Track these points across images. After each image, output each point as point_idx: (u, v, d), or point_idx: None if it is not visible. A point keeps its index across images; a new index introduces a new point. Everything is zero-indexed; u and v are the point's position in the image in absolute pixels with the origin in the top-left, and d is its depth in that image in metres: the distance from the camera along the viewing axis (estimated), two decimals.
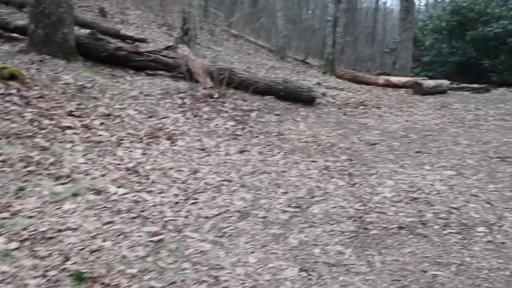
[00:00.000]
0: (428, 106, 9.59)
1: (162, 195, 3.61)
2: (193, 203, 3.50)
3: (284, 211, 3.46)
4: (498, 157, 5.16)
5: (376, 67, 26.17)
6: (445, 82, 12.86)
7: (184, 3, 10.61)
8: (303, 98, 8.25)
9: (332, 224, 3.25)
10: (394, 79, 13.65)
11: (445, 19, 18.95)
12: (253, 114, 6.51)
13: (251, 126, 6.02)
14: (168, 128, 5.36)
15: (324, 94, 9.51)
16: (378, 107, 8.94)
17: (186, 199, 3.57)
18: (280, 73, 11.81)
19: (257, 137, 5.69)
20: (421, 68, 20.22)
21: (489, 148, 5.61)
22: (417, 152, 5.42)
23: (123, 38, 9.66)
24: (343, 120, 7.40)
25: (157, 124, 5.42)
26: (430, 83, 12.24)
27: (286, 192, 3.88)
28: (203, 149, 4.91)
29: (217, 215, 3.33)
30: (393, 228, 3.20)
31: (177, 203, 3.49)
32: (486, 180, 4.38)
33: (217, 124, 5.81)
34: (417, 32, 20.66)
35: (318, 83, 11.39)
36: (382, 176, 4.45)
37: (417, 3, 43.13)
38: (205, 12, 18.92)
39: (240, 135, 5.61)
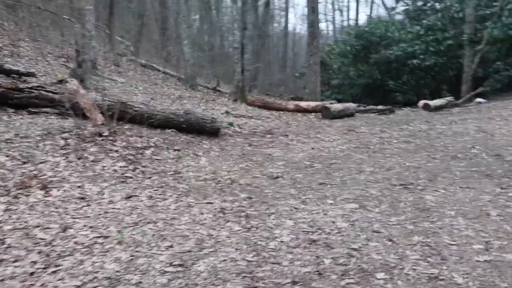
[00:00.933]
0: (336, 131, 9.56)
1: (17, 264, 2.99)
2: (53, 272, 2.91)
3: (164, 272, 2.97)
4: (401, 184, 5.02)
5: (289, 92, 26.57)
6: (352, 105, 13.09)
7: (78, 33, 9.90)
8: (207, 130, 7.86)
9: (217, 285, 2.80)
10: (303, 104, 13.71)
11: (350, 44, 19.62)
12: (148, 152, 5.98)
13: (144, 166, 5.49)
14: (44, 175, 4.70)
15: (231, 124, 9.19)
16: (285, 135, 8.74)
17: (45, 267, 2.97)
18: (188, 103, 11.41)
19: (150, 178, 5.17)
20: (331, 91, 20.73)
21: (392, 175, 5.48)
22: (321, 184, 5.17)
23: (8, 72, 8.76)
24: (248, 152, 7.06)
25: (31, 171, 4.74)
26: (338, 107, 12.38)
27: (171, 246, 3.39)
28: (82, 198, 4.31)
29: (79, 286, 2.76)
30: (286, 283, 2.81)
31: (32, 273, 2.88)
32: (389, 212, 4.16)
33: (104, 166, 5.22)
34: (324, 56, 21.24)
35: (227, 112, 11.10)
36: (281, 216, 4.09)
37: (324, 28, 44.89)
38: (110, 41, 18.16)
39: (130, 178, 5.07)
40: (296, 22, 67.91)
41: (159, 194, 4.63)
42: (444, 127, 9.61)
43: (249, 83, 15.70)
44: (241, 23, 14.78)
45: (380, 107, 14.16)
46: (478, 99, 15.32)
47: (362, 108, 13.74)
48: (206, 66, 22.02)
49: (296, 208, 4.31)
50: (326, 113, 12.03)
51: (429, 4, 21.72)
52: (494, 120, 9.83)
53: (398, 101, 19.57)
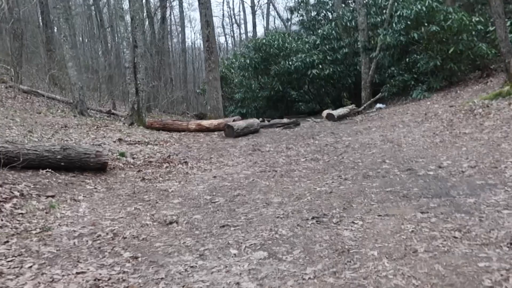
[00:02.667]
0: (240, 152, 8.88)
1: None
2: None
3: None
4: (313, 218, 4.37)
5: (192, 109, 25.74)
6: (256, 121, 12.55)
7: None
8: (91, 166, 6.78)
9: None
10: (205, 123, 12.95)
11: (249, 56, 19.26)
12: (9, 205, 4.83)
13: (0, 227, 4.35)
14: None
15: (122, 154, 8.15)
16: (185, 162, 7.88)
17: None
18: (74, 132, 10.14)
19: (6, 242, 4.05)
20: (235, 106, 20.23)
21: (303, 205, 4.84)
22: (223, 226, 4.37)
23: None
24: (139, 189, 6.09)
25: None
26: (241, 124, 11.75)
27: None
28: None
29: None
30: None
31: None
32: (303, 259, 3.47)
33: None
34: (225, 70, 20.72)
35: (120, 139, 9.99)
36: (173, 281, 3.24)
37: (223, 42, 44.76)
38: None
39: None
40: (195, 37, 67.27)
41: (14, 267, 3.55)
42: (350, 138, 9.32)
43: (145, 104, 14.59)
44: (131, 41, 13.70)
45: (285, 120, 13.78)
46: (378, 105, 15.53)
47: (266, 123, 13.26)
48: (101, 88, 20.52)
49: (192, 267, 3.47)
50: (229, 132, 11.34)
51: (322, 14, 22.06)
52: (397, 128, 9.72)
53: (302, 110, 19.54)
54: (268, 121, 13.72)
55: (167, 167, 7.52)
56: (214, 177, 6.68)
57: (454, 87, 13.83)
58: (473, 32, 13.29)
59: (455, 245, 3.44)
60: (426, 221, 3.97)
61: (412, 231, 3.80)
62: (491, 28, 13.09)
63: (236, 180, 6.35)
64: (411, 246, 3.50)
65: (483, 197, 4.42)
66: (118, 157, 7.96)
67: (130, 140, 10.09)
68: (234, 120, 12.78)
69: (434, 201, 4.51)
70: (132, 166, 7.51)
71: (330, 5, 22.03)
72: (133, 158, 8.07)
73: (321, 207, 4.72)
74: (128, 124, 12.89)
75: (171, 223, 4.55)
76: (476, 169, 5.41)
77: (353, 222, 4.15)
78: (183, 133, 12.46)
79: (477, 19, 13.38)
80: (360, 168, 6.31)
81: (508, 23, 11.11)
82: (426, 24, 14.05)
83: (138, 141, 10.09)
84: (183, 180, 6.57)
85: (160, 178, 6.73)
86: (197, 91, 25.10)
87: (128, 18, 16.37)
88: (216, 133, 12.28)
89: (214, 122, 12.88)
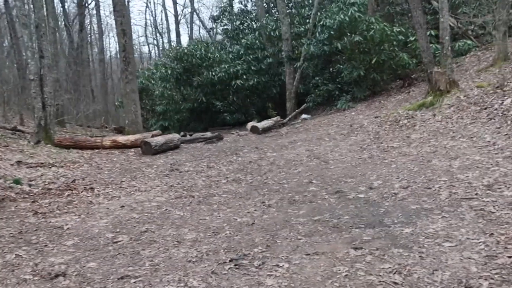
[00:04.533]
0: (156, 173, 8.06)
1: None
2: None
3: None
4: (232, 260, 3.69)
5: (113, 122, 24.38)
6: (176, 136, 11.75)
7: None
8: None
9: None
10: (122, 139, 11.95)
11: (171, 67, 18.40)
12: None
13: None
14: None
15: (17, 182, 7.07)
16: (91, 188, 6.94)
17: None
18: None
19: None
20: (156, 118, 19.26)
21: (220, 242, 4.14)
22: (121, 278, 3.56)
23: None
24: (28, 227, 5.12)
25: None
26: (160, 140, 10.89)
27: None
28: None
29: None
30: None
31: None
32: None
33: None
34: (146, 81, 19.72)
35: (19, 162, 8.82)
36: None
37: (147, 51, 43.36)
38: None
39: None
40: (117, 46, 64.69)
41: None
42: (275, 154, 8.78)
43: (54, 119, 13.28)
44: (37, 51, 12.42)
45: (208, 134, 13.08)
46: (304, 116, 15.25)
47: (188, 137, 12.47)
48: (8, 102, 18.72)
49: None
50: (147, 149, 10.46)
51: (246, 24, 21.63)
52: (323, 141, 9.34)
53: (227, 122, 18.98)
54: (190, 135, 12.95)
55: (69, 195, 6.54)
56: (122, 206, 5.82)
57: (378, 97, 13.82)
58: (395, 42, 13.35)
59: None
60: (360, 261, 3.42)
61: (346, 275, 3.22)
62: (411, 38, 13.21)
63: (146, 210, 5.54)
64: None
65: (420, 226, 3.96)
66: (11, 185, 6.88)
67: (32, 162, 8.94)
68: (152, 136, 11.90)
69: (368, 232, 3.99)
70: (26, 196, 6.47)
71: (254, 14, 21.69)
72: (30, 186, 7.01)
73: (241, 244, 4.04)
74: (34, 142, 11.59)
75: (56, 276, 3.67)
76: (409, 191, 4.99)
77: (277, 265, 3.50)
78: (96, 150, 11.37)
79: (398, 29, 13.46)
80: (285, 191, 5.73)
81: (429, 33, 11.15)
82: (349, 34, 13.96)
83: (42, 163, 8.96)
84: (85, 213, 5.65)
85: (57, 211, 5.76)
86: (116, 103, 23.74)
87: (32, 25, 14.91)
88: (133, 150, 11.34)
89: (131, 138, 11.92)
